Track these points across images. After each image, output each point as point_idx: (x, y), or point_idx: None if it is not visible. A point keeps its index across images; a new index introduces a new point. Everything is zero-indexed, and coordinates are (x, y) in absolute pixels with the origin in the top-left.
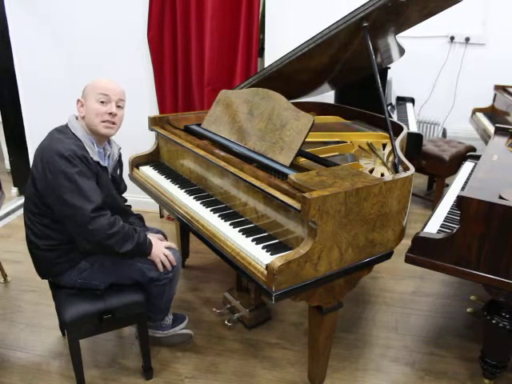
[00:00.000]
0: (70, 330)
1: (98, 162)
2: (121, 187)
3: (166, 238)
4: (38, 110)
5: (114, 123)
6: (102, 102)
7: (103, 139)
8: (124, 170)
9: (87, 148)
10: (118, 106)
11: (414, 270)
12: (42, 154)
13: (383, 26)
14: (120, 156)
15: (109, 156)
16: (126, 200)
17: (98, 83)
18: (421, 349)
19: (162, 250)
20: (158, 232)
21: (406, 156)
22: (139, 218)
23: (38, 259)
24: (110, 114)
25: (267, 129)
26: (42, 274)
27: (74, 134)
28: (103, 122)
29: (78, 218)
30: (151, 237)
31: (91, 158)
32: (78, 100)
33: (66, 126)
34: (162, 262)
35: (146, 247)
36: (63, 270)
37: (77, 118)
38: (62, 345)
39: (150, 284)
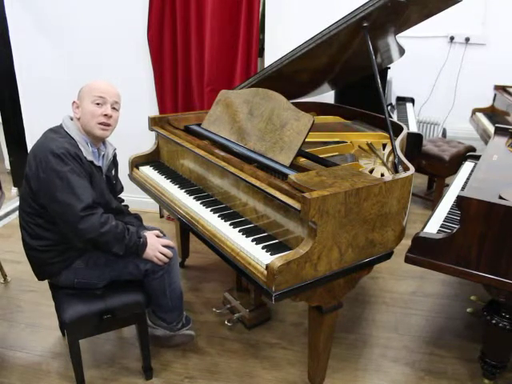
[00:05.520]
0: (70, 330)
1: (92, 162)
2: (116, 188)
3: (163, 234)
4: (37, 111)
5: (109, 125)
6: (98, 104)
7: (98, 140)
8: (123, 171)
9: (81, 147)
10: (113, 108)
11: (414, 270)
12: (35, 153)
13: (383, 26)
14: (115, 156)
15: (103, 156)
16: (122, 200)
17: (94, 85)
18: (421, 349)
19: (157, 247)
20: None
21: (405, 156)
22: (136, 217)
23: (33, 260)
24: (106, 115)
25: (267, 129)
26: (39, 275)
27: (67, 133)
28: (99, 123)
29: (67, 217)
30: (147, 233)
31: (84, 157)
32: (74, 102)
33: (60, 126)
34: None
35: (139, 247)
36: (59, 270)
37: (71, 119)
38: (62, 345)
39: (147, 278)
